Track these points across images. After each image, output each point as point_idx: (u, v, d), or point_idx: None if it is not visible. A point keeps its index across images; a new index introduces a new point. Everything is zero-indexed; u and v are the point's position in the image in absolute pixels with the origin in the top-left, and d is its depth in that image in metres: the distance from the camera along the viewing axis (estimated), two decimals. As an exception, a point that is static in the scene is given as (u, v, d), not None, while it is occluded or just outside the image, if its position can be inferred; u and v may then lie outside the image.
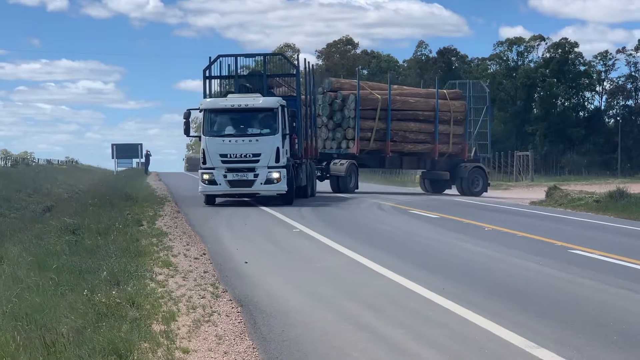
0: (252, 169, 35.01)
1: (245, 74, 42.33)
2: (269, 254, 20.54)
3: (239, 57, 41.82)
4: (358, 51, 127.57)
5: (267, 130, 35.49)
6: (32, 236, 21.03)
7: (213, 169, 35.11)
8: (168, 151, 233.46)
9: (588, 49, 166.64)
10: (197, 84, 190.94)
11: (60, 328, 10.98)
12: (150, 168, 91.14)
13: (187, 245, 21.60)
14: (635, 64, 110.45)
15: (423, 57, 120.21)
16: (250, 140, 35.15)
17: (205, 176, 35.41)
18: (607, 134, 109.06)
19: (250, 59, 44.54)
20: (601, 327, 12.26)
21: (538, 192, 44.32)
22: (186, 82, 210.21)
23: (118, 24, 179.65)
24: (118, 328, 11.17)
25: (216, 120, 36.19)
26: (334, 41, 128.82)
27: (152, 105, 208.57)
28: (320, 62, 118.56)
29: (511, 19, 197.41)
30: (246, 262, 18.71)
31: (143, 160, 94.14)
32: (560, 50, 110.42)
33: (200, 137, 36.79)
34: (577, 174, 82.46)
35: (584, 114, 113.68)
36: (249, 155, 34.92)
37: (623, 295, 14.78)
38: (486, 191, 50.52)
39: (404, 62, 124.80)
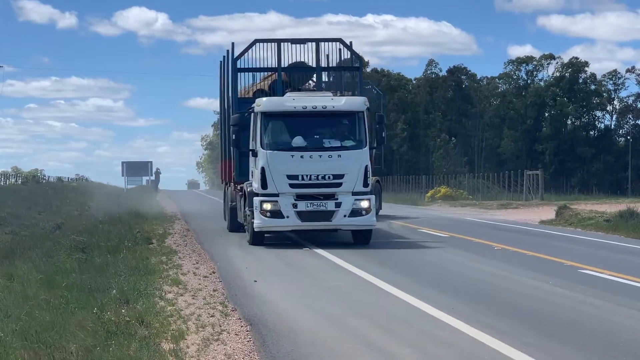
0: (332, 196, 25.44)
1: (285, 66, 30.36)
2: (279, 273, 20.52)
3: (283, 43, 30.16)
4: (368, 70, 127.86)
5: (352, 142, 26.06)
6: (42, 254, 21.09)
7: (277, 195, 25.23)
8: (177, 169, 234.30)
9: (597, 68, 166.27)
10: (205, 102, 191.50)
11: (69, 346, 10.99)
12: (160, 186, 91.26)
13: (197, 263, 21.64)
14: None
15: (433, 75, 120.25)
16: (330, 156, 25.41)
17: (267, 206, 25.20)
18: (617, 153, 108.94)
19: (298, 45, 30.71)
20: (611, 347, 12.21)
21: (548, 212, 44.08)
22: (195, 99, 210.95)
23: (127, 41, 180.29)
24: (127, 346, 11.17)
25: (281, 128, 26.29)
26: (344, 59, 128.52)
27: (161, 122, 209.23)
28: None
29: (520, 38, 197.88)
30: (255, 281, 18.71)
31: (153, 177, 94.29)
32: (570, 69, 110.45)
33: (252, 151, 26.45)
34: (587, 193, 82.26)
35: (594, 133, 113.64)
36: (329, 177, 25.26)
37: (633, 316, 14.72)
38: (381, 208, 41.51)
39: (415, 79, 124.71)
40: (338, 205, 25.44)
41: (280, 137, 26.21)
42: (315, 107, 25.71)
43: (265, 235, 26.65)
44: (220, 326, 13.34)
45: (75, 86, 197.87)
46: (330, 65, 31.41)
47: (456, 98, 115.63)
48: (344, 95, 29.15)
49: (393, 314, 14.73)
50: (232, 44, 30.40)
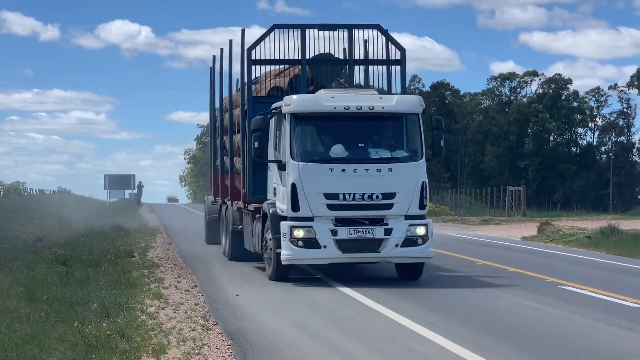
0: (380, 220, 20.32)
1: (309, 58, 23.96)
2: (260, 286, 20.51)
3: (308, 30, 23.92)
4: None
5: (405, 153, 20.84)
6: (23, 267, 20.99)
7: (312, 219, 20.02)
8: (160, 182, 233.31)
9: (579, 85, 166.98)
10: (189, 116, 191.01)
11: (49, 360, 10.97)
12: (142, 199, 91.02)
13: (179, 277, 21.58)
14: (627, 100, 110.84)
15: (417, 91, 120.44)
16: (378, 170, 20.26)
17: (298, 232, 19.97)
18: (599, 169, 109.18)
19: (326, 33, 24.35)
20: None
21: (530, 228, 44.20)
22: (178, 113, 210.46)
23: (110, 54, 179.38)
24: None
25: (316, 134, 21.09)
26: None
27: (144, 136, 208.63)
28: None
29: (502, 54, 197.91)
30: (237, 295, 18.70)
31: (135, 191, 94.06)
32: (553, 85, 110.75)
33: (278, 162, 20.77)
34: (569, 209, 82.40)
35: (577, 150, 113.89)
36: (377, 197, 20.15)
37: (613, 332, 14.78)
38: None
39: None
40: (388, 232, 20.08)
41: (315, 146, 20.97)
42: (361, 108, 20.36)
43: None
44: (201, 340, 13.33)
45: (58, 98, 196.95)
46: (366, 58, 25.05)
47: (440, 114, 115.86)
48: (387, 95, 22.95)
49: (372, 328, 14.77)
50: (243, 30, 24.01)
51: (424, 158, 20.68)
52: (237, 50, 25.42)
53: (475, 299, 18.62)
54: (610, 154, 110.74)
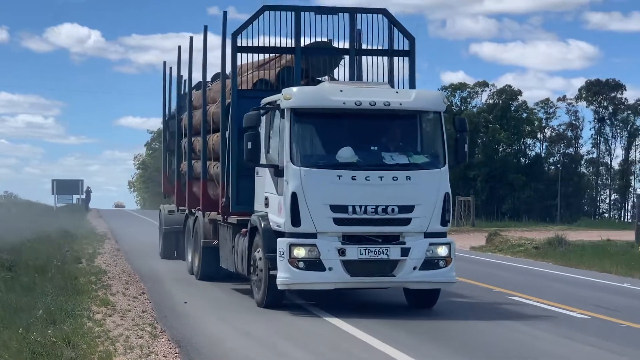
0: (395, 238, 16.98)
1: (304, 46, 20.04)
2: (209, 293, 20.40)
3: (303, 13, 19.85)
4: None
5: (425, 159, 17.51)
6: (-33, 272, 20.72)
7: (315, 236, 16.72)
8: (108, 188, 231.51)
9: (528, 96, 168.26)
10: (138, 121, 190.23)
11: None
12: (90, 205, 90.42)
13: (126, 283, 21.47)
14: (575, 112, 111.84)
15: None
16: (395, 179, 16.87)
17: (299, 251, 16.68)
18: (547, 180, 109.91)
19: (324, 17, 20.03)
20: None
21: (479, 238, 44.45)
22: (127, 118, 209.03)
23: (59, 58, 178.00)
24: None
25: (320, 134, 17.57)
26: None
27: (93, 141, 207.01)
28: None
29: (453, 64, 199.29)
30: (185, 302, 18.60)
31: (84, 196, 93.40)
32: (503, 96, 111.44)
33: (274, 167, 17.13)
34: (517, 219, 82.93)
35: (525, 161, 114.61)
36: (393, 210, 16.78)
37: (560, 344, 14.86)
38: None
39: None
40: (405, 252, 16.61)
41: (320, 148, 17.35)
42: (375, 104, 16.81)
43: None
44: (148, 348, 13.23)
45: (5, 102, 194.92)
46: (370, 48, 20.46)
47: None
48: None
49: (309, 331, 14.75)
50: (225, 12, 20.36)
51: (446, 165, 17.27)
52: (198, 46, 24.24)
53: (416, 307, 18.58)
54: (559, 165, 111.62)
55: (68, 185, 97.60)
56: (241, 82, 20.09)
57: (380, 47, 19.94)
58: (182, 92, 27.04)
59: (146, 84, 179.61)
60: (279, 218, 16.88)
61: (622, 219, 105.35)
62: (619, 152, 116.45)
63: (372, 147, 17.58)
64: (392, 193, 16.77)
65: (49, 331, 13.28)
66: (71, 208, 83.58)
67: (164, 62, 30.91)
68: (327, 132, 17.53)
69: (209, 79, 24.11)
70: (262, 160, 17.55)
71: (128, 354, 12.76)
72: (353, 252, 16.58)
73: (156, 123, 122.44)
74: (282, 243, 16.58)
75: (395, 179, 16.77)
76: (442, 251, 17.00)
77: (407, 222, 16.82)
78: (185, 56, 26.27)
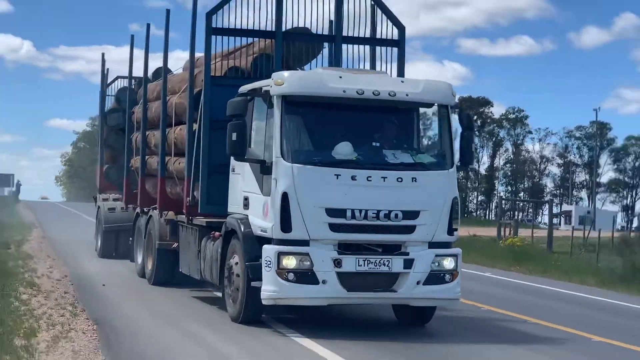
0: (396, 247, 13.44)
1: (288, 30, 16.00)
2: (125, 277, 20.21)
3: None
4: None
5: (431, 158, 14.01)
6: None
7: (307, 243, 13.01)
8: (37, 182, 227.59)
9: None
10: (65, 123, 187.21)
11: None
12: (20, 197, 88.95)
13: (51, 267, 21.13)
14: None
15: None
16: (399, 180, 13.26)
17: (289, 261, 13.01)
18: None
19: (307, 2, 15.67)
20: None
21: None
22: (55, 120, 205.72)
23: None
24: (-18, 342, 10.84)
25: (314, 127, 13.78)
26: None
27: (23, 139, 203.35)
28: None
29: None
30: (104, 285, 18.41)
31: (14, 189, 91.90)
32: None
33: (261, 163, 13.28)
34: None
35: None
36: (396, 216, 13.24)
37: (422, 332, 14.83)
38: None
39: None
40: (409, 264, 13.02)
41: (315, 142, 13.40)
42: (378, 94, 13.06)
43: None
44: (69, 325, 13.02)
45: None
46: (356, 35, 16.09)
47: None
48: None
49: (209, 311, 14.73)
50: None
51: (454, 166, 13.50)
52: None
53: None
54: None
55: (1, 178, 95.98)
56: (213, 69, 15.45)
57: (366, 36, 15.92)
58: (131, 86, 22.96)
59: (72, 89, 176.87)
60: (264, 222, 12.86)
61: (486, 218, 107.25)
62: (485, 160, 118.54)
63: (373, 143, 13.67)
64: (395, 196, 12.86)
65: (-21, 310, 13.05)
66: (2, 199, 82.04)
67: (102, 54, 28.89)
68: (323, 124, 13.48)
69: (151, 74, 21.09)
70: (244, 155, 13.38)
71: (50, 330, 12.55)
72: (350, 264, 12.64)
73: (82, 125, 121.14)
74: (269, 251, 12.53)
75: (399, 180, 12.84)
76: (449, 264, 13.17)
77: (411, 229, 12.91)
78: (124, 54, 24.73)
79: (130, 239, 21.09)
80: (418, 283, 12.87)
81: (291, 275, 12.48)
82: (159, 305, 16.14)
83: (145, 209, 19.35)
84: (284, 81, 12.82)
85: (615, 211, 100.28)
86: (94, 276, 20.12)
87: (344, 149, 12.91)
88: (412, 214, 12.86)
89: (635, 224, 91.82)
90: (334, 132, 13.31)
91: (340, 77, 13.17)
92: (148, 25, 20.23)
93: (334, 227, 12.61)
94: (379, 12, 15.67)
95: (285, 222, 12.48)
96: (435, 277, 12.99)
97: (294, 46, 15.67)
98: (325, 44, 15.72)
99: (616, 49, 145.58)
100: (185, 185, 15.58)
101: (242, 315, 13.42)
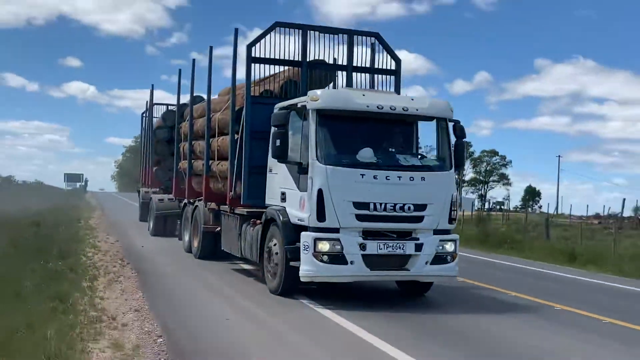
0: (408, 234, 11.42)
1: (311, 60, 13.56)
2: (159, 243, 20.06)
3: (310, 32, 13.48)
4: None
5: (435, 162, 12.08)
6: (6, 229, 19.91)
7: (337, 231, 10.89)
8: (99, 179, 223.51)
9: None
10: (118, 140, 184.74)
11: (25, 282, 10.48)
12: (87, 189, 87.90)
13: (107, 235, 20.91)
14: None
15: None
16: (412, 179, 11.32)
17: (323, 245, 10.85)
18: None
19: (327, 36, 13.55)
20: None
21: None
22: (111, 138, 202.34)
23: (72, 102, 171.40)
24: (61, 284, 10.74)
25: (343, 135, 11.52)
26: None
27: (91, 150, 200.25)
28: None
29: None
30: (142, 246, 18.27)
31: (83, 183, 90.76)
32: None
33: (298, 165, 11.16)
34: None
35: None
36: (409, 208, 11.30)
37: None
38: None
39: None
40: (419, 247, 11.49)
41: (343, 148, 11.65)
42: (395, 109, 11.63)
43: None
44: (119, 273, 12.93)
45: (34, 128, 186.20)
46: (363, 65, 14.17)
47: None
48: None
49: (218, 265, 14.61)
50: (236, 30, 14.08)
51: (453, 168, 11.78)
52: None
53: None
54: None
55: (74, 176, 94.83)
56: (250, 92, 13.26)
57: (368, 66, 13.98)
58: (178, 108, 20.39)
59: (122, 118, 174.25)
60: (301, 213, 10.94)
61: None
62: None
63: (389, 149, 11.77)
64: (408, 192, 11.11)
65: (60, 263, 12.91)
66: (75, 191, 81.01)
67: (152, 88, 27.08)
68: (349, 132, 11.50)
69: (185, 102, 19.64)
70: (288, 158, 11.42)
71: (107, 276, 12.44)
72: (373, 247, 10.84)
73: (128, 141, 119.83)
74: (306, 237, 10.66)
75: (411, 179, 11.13)
76: (450, 247, 11.45)
77: (420, 219, 11.17)
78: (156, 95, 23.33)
79: (178, 222, 19.01)
80: (426, 263, 11.13)
81: (325, 257, 10.58)
82: (186, 263, 16.04)
83: (191, 200, 17.47)
84: (319, 97, 11.05)
85: (474, 198, 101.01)
86: (136, 241, 19.97)
87: (366, 153, 11.07)
88: (421, 207, 11.12)
89: (487, 207, 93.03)
90: (357, 140, 11.34)
91: (364, 95, 11.39)
92: (194, 60, 18.69)
93: (359, 217, 10.74)
94: (380, 47, 13.79)
95: (320, 213, 10.62)
96: (439, 258, 11.25)
97: (314, 73, 13.62)
98: (338, 73, 13.81)
99: (476, 94, 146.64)
100: (228, 182, 13.70)
101: (280, 288, 11.34)
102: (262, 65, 12.93)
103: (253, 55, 12.87)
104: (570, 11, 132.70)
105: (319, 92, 11.21)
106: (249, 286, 12.35)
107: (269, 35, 12.81)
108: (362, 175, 10.76)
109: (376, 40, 13.86)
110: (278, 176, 11.86)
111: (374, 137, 11.56)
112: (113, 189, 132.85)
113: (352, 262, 10.61)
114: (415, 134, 12.09)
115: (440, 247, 11.21)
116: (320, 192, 10.59)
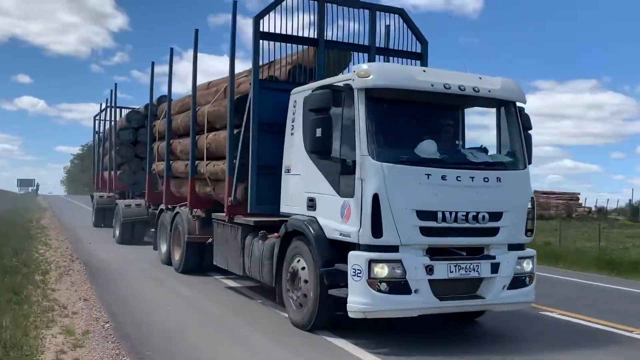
0: (479, 251, 6.77)
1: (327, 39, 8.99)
2: (105, 238, 19.45)
3: (327, 5, 8.86)
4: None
5: (507, 158, 7.10)
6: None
7: (397, 249, 6.34)
8: (49, 183, 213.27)
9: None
10: (66, 149, 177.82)
11: (-19, 278, 9.98)
12: (39, 192, 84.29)
13: (58, 233, 20.13)
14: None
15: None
16: (486, 180, 6.72)
17: (381, 270, 6.31)
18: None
19: (345, 9, 8.80)
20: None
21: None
22: (60, 147, 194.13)
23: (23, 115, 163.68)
24: (16, 278, 10.28)
25: (397, 123, 6.77)
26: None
27: (43, 158, 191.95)
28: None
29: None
30: (90, 243, 17.69)
31: (35, 188, 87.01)
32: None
33: (343, 162, 6.73)
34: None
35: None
36: (483, 218, 6.68)
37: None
38: None
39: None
40: (495, 268, 7.01)
41: (399, 140, 7.05)
42: (464, 89, 7.02)
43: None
44: (69, 267, 12.46)
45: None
46: (386, 47, 9.90)
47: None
48: None
49: (151, 259, 14.34)
50: (235, 2, 9.42)
51: (527, 165, 7.69)
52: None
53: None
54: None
55: (26, 182, 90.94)
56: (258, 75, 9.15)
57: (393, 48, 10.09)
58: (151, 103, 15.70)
59: (70, 129, 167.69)
60: (344, 225, 7.07)
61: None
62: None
63: (456, 141, 7.97)
64: (482, 197, 7.25)
65: (14, 259, 12.34)
66: (28, 194, 77.62)
67: (114, 87, 20.49)
68: (406, 120, 7.53)
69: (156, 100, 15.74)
70: (299, 154, 7.91)
71: (58, 270, 11.95)
72: (442, 270, 7.01)
73: (76, 149, 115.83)
74: (358, 258, 6.77)
75: (486, 180, 7.24)
76: (528, 266, 7.53)
77: (495, 231, 7.31)
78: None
79: (152, 230, 14.57)
80: (503, 287, 7.24)
81: (383, 285, 6.65)
82: (132, 256, 15.64)
83: (170, 206, 13.18)
84: (370, 73, 6.92)
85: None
86: (84, 238, 19.31)
87: (429, 147, 7.09)
88: (497, 215, 7.21)
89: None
90: (415, 129, 7.46)
91: (424, 70, 7.36)
92: (171, 50, 13.59)
93: (424, 231, 6.87)
94: (404, 25, 10.03)
95: (376, 226, 6.67)
96: (518, 281, 7.37)
97: (331, 55, 9.54)
98: (353, 55, 9.78)
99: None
100: (227, 186, 9.56)
101: (312, 323, 7.47)
102: (269, 44, 8.93)
103: (261, 29, 8.93)
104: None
105: (370, 66, 7.15)
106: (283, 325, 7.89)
107: (279, 6, 9.04)
108: (428, 175, 6.83)
109: (400, 18, 10.00)
110: (302, 177, 7.90)
111: (432, 125, 7.71)
112: (62, 192, 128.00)
113: (416, 291, 6.74)
114: (462, 121, 8.14)
115: (520, 267, 7.41)
116: (376, 198, 6.65)
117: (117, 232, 18.13)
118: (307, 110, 7.34)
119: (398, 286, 6.58)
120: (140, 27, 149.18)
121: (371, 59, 9.57)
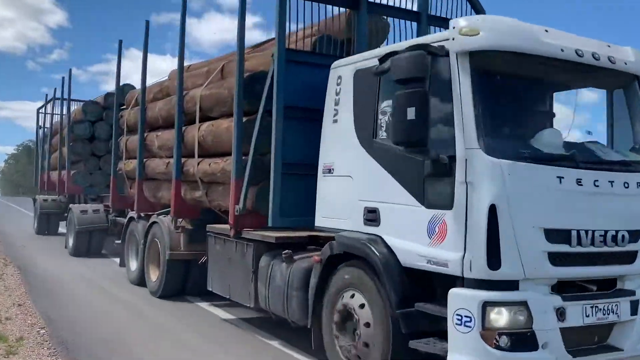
0: (612, 284, 4.10)
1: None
2: (39, 241, 18.64)
3: None
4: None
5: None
6: None
7: (516, 285, 3.74)
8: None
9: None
10: (0, 149, 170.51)
11: None
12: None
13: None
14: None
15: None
16: (626, 185, 3.96)
17: (500, 317, 3.72)
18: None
19: None
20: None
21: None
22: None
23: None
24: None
25: (513, 104, 4.15)
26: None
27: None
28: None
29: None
30: (23, 246, 16.91)
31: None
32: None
33: (433, 160, 4.09)
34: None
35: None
36: (622, 238, 3.92)
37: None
38: None
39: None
40: (635, 307, 4.17)
41: (514, 127, 4.41)
42: (598, 58, 4.08)
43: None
44: (2, 271, 11.77)
45: None
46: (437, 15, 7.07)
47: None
48: None
49: (96, 263, 13.81)
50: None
51: None
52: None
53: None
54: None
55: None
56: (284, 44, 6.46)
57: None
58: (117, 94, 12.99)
59: (2, 129, 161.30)
60: (437, 249, 4.41)
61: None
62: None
63: (589, 132, 5.07)
64: (620, 209, 4.52)
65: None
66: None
67: (67, 76, 18.68)
68: (524, 98, 4.85)
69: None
70: (344, 149, 5.51)
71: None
72: (576, 314, 4.29)
73: (10, 149, 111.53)
74: (467, 300, 4.07)
75: (626, 186, 4.53)
76: None
77: (633, 257, 4.64)
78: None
79: (116, 242, 11.90)
80: None
81: (504, 340, 4.19)
82: (64, 259, 15.02)
83: (142, 214, 10.43)
84: (479, 29, 4.38)
85: None
86: (17, 240, 18.46)
87: (553, 138, 4.69)
88: (636, 235, 4.79)
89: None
90: (530, 113, 5.14)
91: (547, 30, 4.63)
92: (147, 23, 10.62)
93: (553, 259, 4.42)
94: None
95: (493, 253, 4.22)
96: None
97: (370, 23, 7.05)
98: (395, 25, 7.33)
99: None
100: (233, 190, 7.07)
101: None
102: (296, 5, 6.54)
103: None
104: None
105: (479, 19, 4.63)
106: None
107: None
108: (560, 179, 4.44)
109: None
110: (354, 180, 5.49)
111: (548, 108, 5.39)
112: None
113: (544, 345, 4.32)
114: (623, 104, 5.34)
115: None
116: (493, 210, 4.26)
117: (71, 242, 15.20)
118: (361, 88, 5.29)
119: (522, 340, 4.25)
120: (80, 24, 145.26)
121: (421, 30, 7.13)
